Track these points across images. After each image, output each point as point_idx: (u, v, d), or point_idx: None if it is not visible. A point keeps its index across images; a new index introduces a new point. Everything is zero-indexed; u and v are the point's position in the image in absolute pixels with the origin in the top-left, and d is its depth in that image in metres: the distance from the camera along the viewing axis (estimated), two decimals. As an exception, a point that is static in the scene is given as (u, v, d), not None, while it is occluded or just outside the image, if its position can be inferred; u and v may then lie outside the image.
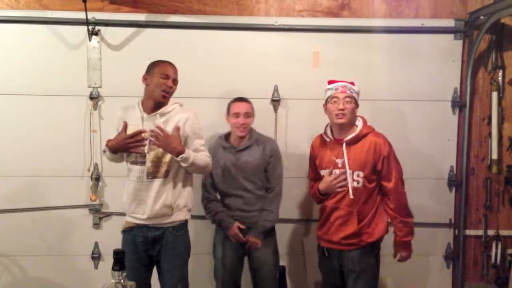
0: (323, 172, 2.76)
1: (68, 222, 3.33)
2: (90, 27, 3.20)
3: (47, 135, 3.28)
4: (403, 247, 2.75)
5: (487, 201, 3.44)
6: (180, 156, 2.48)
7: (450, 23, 3.35)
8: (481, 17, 3.23)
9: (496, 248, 3.43)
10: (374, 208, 2.71)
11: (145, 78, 2.64)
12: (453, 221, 3.44)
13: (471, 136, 3.42)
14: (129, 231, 2.66)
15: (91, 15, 3.19)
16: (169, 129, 2.55)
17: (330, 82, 2.77)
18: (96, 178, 3.31)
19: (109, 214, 3.36)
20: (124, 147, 2.52)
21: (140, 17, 3.28)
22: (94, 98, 3.28)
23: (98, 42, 3.27)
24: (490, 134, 3.39)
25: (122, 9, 3.28)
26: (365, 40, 3.35)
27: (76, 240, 3.35)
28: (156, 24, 3.29)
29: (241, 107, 2.92)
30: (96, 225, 3.35)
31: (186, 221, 2.70)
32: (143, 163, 2.57)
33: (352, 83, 2.73)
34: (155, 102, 2.60)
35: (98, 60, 3.28)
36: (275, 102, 3.33)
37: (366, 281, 2.72)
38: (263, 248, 2.90)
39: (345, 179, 2.66)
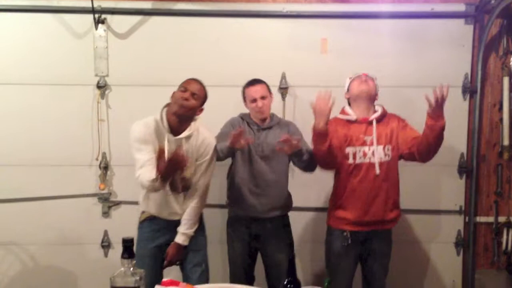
0: (349, 150, 2.72)
1: (78, 211, 3.34)
2: (96, 16, 3.19)
3: (55, 125, 3.28)
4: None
5: (498, 187, 3.41)
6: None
7: (460, 7, 3.30)
8: (492, 1, 3.18)
9: (507, 234, 3.40)
10: (397, 186, 2.80)
11: (171, 95, 2.58)
12: (463, 208, 3.42)
13: (482, 122, 3.39)
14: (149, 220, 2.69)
15: (97, 3, 3.17)
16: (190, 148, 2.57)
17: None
18: (105, 167, 3.32)
19: (118, 203, 3.37)
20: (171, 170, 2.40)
21: (147, 4, 3.25)
22: (101, 87, 3.27)
23: (105, 30, 3.26)
24: (501, 120, 3.36)
25: (128, -4, 3.27)
26: (374, 26, 3.31)
27: (86, 229, 3.37)
28: (162, 11, 3.27)
29: (255, 92, 2.85)
30: (105, 214, 3.37)
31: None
32: None
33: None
34: (177, 116, 2.53)
35: (104, 49, 3.27)
36: (283, 89, 3.31)
37: (387, 263, 2.84)
38: (276, 244, 2.88)
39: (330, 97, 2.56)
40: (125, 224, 3.30)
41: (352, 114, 2.78)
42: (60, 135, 3.29)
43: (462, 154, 3.40)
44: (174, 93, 2.57)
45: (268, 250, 2.92)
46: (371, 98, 2.77)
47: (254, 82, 2.90)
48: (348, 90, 2.83)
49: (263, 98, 2.84)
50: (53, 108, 3.28)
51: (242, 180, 2.85)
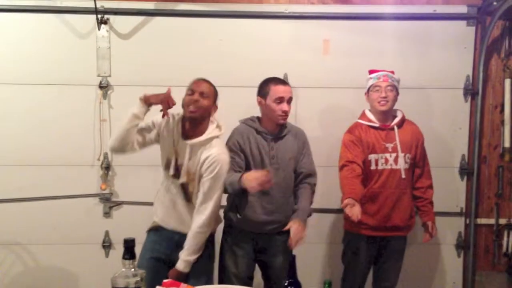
0: (371, 157, 2.78)
1: (79, 211, 3.34)
2: (99, 16, 3.19)
3: (57, 125, 3.28)
4: (433, 223, 2.93)
5: (499, 189, 3.41)
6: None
7: (462, 9, 3.30)
8: (494, 3, 3.17)
9: (508, 236, 3.40)
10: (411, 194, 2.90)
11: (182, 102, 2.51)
12: (464, 210, 3.42)
13: (483, 124, 3.38)
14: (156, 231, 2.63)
15: (100, 4, 3.18)
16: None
17: (371, 72, 2.87)
18: (106, 167, 3.32)
19: (119, 203, 3.37)
20: (160, 101, 2.44)
21: (149, 5, 3.26)
22: (104, 87, 3.28)
23: (107, 31, 3.26)
24: (502, 122, 3.35)
25: (131, -3, 3.27)
26: (376, 28, 3.32)
27: (87, 229, 3.37)
28: (165, 12, 3.27)
29: (285, 92, 2.57)
30: (107, 214, 3.37)
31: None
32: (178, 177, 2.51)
33: (392, 72, 2.84)
34: (190, 121, 2.48)
35: (107, 49, 3.27)
36: (285, 90, 3.31)
37: (400, 267, 2.95)
38: (283, 257, 2.67)
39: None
40: (126, 224, 3.32)
41: (375, 120, 2.83)
42: (62, 135, 3.29)
43: (463, 156, 3.39)
44: (183, 99, 2.48)
45: (275, 263, 2.69)
46: (390, 110, 2.84)
47: (283, 81, 2.69)
48: (368, 92, 2.86)
49: (289, 102, 2.61)
50: (55, 108, 3.28)
51: (254, 197, 2.57)
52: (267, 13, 3.29)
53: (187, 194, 2.51)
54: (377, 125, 2.82)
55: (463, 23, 3.32)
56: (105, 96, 3.29)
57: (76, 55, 3.26)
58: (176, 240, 2.53)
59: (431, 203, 2.93)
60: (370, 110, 2.89)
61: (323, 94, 3.29)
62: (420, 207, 2.92)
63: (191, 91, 2.47)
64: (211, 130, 2.50)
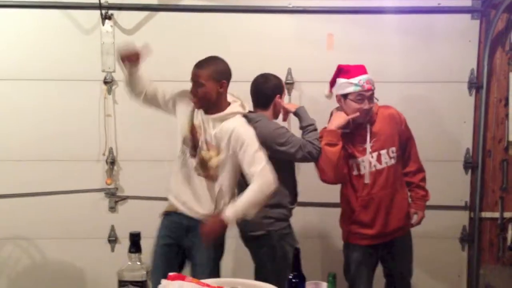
0: (352, 161, 2.61)
1: (85, 206, 3.37)
2: (103, 11, 3.20)
3: (62, 120, 3.30)
4: (422, 207, 2.78)
5: (504, 183, 3.41)
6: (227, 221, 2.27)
7: (467, 2, 3.29)
8: (499, -4, 3.17)
9: (512, 230, 3.40)
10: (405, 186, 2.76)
11: None
12: (469, 204, 3.42)
13: (487, 117, 3.38)
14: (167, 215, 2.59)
15: (104, -1, 3.20)
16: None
17: (345, 69, 2.62)
18: (111, 162, 3.34)
19: (124, 198, 3.39)
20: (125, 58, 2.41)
21: (153, 0, 3.26)
22: (108, 82, 3.29)
23: (111, 26, 3.27)
24: (507, 115, 3.35)
25: (135, -8, 3.28)
26: (380, 21, 3.31)
27: (93, 224, 3.39)
28: (169, 7, 3.27)
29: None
30: (112, 209, 3.39)
31: None
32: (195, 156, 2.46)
33: (365, 69, 2.61)
34: (203, 108, 2.45)
35: (111, 45, 3.28)
36: (289, 85, 3.31)
37: (411, 260, 2.81)
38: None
39: None
40: (132, 219, 3.33)
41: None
42: (67, 130, 3.30)
43: (467, 150, 3.39)
44: None
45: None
46: None
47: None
48: (344, 98, 2.60)
49: None
50: (60, 103, 3.29)
51: None
52: (270, 7, 3.29)
53: (206, 168, 2.44)
54: (348, 131, 2.60)
55: (467, 16, 3.31)
56: (109, 91, 3.31)
57: (80, 50, 3.27)
58: (185, 225, 2.49)
59: (420, 187, 2.75)
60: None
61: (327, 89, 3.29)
62: (410, 194, 2.76)
63: (191, 82, 2.43)
64: (234, 107, 2.46)
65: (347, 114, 2.59)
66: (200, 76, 2.38)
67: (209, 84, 2.37)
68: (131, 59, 2.40)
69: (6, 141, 3.30)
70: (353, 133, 2.63)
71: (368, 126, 2.61)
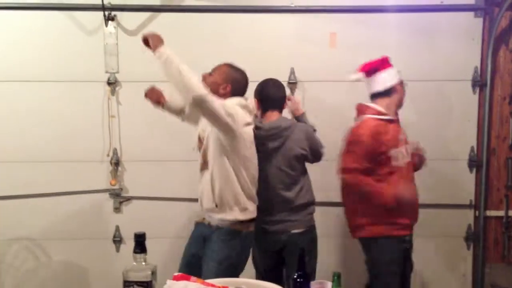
0: (393, 152, 2.58)
1: (90, 207, 3.38)
2: (106, 13, 3.21)
3: (66, 121, 3.31)
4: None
5: (509, 181, 3.40)
6: (157, 51, 2.36)
7: (470, 0, 3.28)
8: (502, -6, 3.16)
9: (517, 229, 3.39)
10: None
11: None
12: (473, 202, 3.41)
13: (491, 116, 3.37)
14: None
15: (107, 0, 3.20)
16: None
17: (387, 58, 2.75)
18: (116, 163, 3.34)
19: (129, 198, 3.40)
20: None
21: (156, 1, 3.27)
22: (112, 83, 3.30)
23: (115, 27, 3.28)
24: (511, 113, 3.34)
25: (138, -7, 3.28)
26: (383, 20, 3.31)
27: (98, 224, 3.40)
28: (171, 8, 3.28)
29: None
30: (117, 209, 3.40)
31: (240, 222, 2.47)
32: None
33: None
34: None
35: (115, 46, 3.29)
36: (292, 84, 3.31)
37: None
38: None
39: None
40: (136, 219, 3.34)
41: (389, 114, 2.65)
42: (71, 131, 3.31)
43: (472, 148, 3.38)
44: None
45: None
46: None
47: None
48: (395, 89, 2.68)
49: None
50: (64, 104, 3.30)
51: None
52: (273, 7, 3.29)
53: (206, 163, 2.49)
54: (393, 118, 2.67)
55: (470, 14, 3.30)
56: (113, 92, 3.31)
57: (84, 51, 3.28)
58: (204, 235, 2.55)
59: None
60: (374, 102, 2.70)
61: (331, 88, 3.28)
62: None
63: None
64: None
65: (400, 101, 2.72)
66: (219, 68, 2.60)
67: (218, 77, 2.55)
68: (152, 100, 2.75)
69: (11, 142, 3.30)
70: (395, 122, 2.70)
71: (400, 120, 2.75)
